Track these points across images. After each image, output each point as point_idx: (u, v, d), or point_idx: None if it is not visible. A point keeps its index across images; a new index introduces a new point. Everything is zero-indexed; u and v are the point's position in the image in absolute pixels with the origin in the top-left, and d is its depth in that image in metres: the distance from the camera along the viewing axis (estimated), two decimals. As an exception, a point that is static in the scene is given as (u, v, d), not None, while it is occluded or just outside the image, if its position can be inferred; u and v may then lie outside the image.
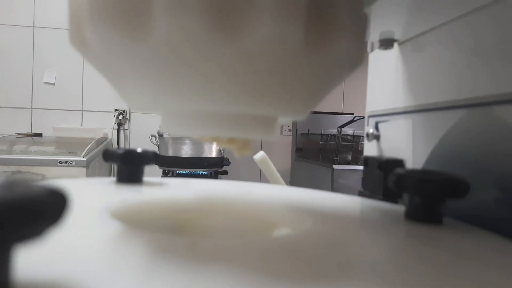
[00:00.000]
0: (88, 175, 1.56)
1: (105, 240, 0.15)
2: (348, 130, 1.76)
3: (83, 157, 1.55)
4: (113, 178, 0.32)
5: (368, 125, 0.41)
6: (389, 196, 0.33)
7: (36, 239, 0.09)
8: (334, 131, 1.77)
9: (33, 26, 1.88)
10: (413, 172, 0.24)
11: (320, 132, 1.80)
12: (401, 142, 0.35)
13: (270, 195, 0.30)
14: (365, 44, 0.19)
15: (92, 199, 0.25)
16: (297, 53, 0.16)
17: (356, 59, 0.19)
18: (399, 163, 0.34)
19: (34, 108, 1.92)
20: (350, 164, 1.56)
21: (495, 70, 0.25)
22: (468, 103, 0.27)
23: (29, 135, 1.83)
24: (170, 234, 0.27)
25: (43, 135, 1.85)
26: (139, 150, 0.31)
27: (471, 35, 0.27)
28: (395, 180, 0.24)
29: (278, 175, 0.43)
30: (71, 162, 1.54)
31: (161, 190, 0.30)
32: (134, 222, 0.24)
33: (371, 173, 0.36)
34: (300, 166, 1.78)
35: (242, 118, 0.18)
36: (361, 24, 0.18)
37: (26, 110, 1.93)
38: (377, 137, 0.39)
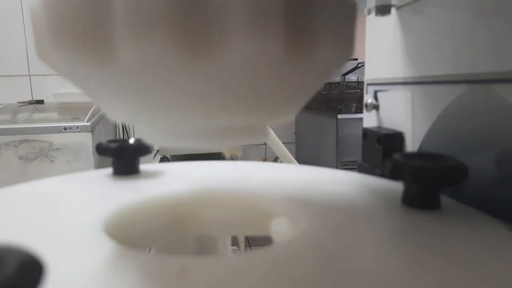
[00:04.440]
0: (94, 139, 1.58)
1: (97, 268, 0.15)
2: (352, 77, 1.72)
3: (87, 121, 1.55)
4: (109, 171, 0.32)
5: (367, 93, 0.39)
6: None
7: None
8: (337, 78, 1.73)
9: (19, -10, 1.80)
10: (410, 158, 0.23)
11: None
12: (401, 114, 0.34)
13: (268, 179, 0.30)
14: (353, 37, 0.18)
15: (87, 202, 0.25)
16: (279, 65, 0.15)
17: (343, 55, 0.17)
18: (398, 136, 0.34)
19: (32, 75, 1.89)
20: (355, 112, 1.54)
21: (500, 43, 0.23)
22: (468, 79, 0.25)
23: (30, 102, 1.82)
24: (162, 254, 0.28)
25: (44, 101, 1.84)
26: (132, 141, 0.31)
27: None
28: (391, 167, 0.23)
29: (285, 149, 0.42)
30: (76, 128, 1.54)
31: (158, 182, 0.29)
32: (131, 225, 0.24)
33: (370, 146, 0.35)
34: (304, 118, 1.77)
35: (229, 129, 0.17)
36: (348, 18, 0.17)
37: (24, 78, 1.91)
38: (376, 107, 0.37)
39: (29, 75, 1.89)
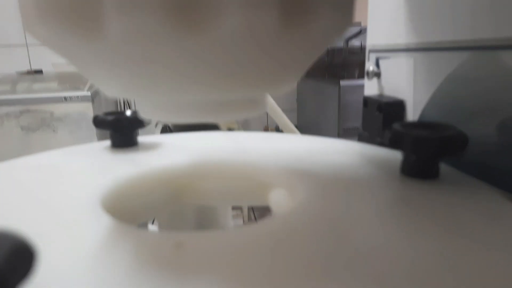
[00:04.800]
0: (95, 109, 1.57)
1: (93, 245, 0.16)
2: (355, 42, 1.68)
3: (87, 91, 1.54)
4: (107, 143, 0.32)
5: (369, 60, 0.38)
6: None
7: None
8: (340, 44, 1.69)
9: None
10: (409, 128, 0.23)
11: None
12: (402, 81, 0.33)
13: (267, 150, 0.30)
14: (353, 4, 0.17)
15: (85, 175, 0.25)
16: (274, 35, 0.14)
17: (342, 24, 0.17)
18: (399, 104, 0.33)
19: (29, 45, 1.86)
20: (358, 78, 1.51)
21: (505, 9, 0.22)
22: (472, 45, 0.24)
23: (29, 72, 1.80)
24: (160, 228, 0.28)
25: (43, 71, 1.82)
26: (129, 113, 0.30)
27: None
28: (391, 137, 0.23)
29: (284, 117, 0.42)
30: (76, 98, 1.53)
31: (156, 154, 0.29)
32: (130, 198, 0.24)
33: (371, 114, 0.35)
34: (306, 85, 1.74)
35: (225, 103, 0.17)
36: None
37: (22, 48, 1.88)
38: (377, 75, 0.36)
39: (26, 45, 1.86)
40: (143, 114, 0.19)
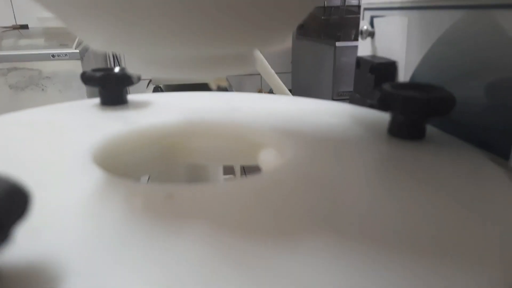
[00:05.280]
0: (84, 68, 1.53)
1: (85, 195, 0.16)
2: (353, 1, 1.63)
3: (75, 48, 1.49)
4: (96, 101, 0.31)
5: (363, 19, 0.38)
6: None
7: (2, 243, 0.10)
8: (337, 2, 1.64)
9: None
10: (398, 88, 0.23)
11: (323, 5, 1.67)
12: (396, 41, 0.32)
13: (258, 111, 0.30)
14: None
15: (75, 132, 0.25)
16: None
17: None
18: (391, 65, 0.33)
19: (13, -3, 1.78)
20: (354, 39, 1.48)
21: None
22: (466, 4, 0.24)
23: (14, 27, 1.74)
24: (151, 183, 0.28)
25: (29, 26, 1.75)
26: (117, 70, 0.30)
27: None
28: (380, 98, 0.23)
29: (277, 78, 0.41)
30: (64, 55, 1.49)
31: (146, 113, 0.29)
32: (120, 155, 0.24)
33: (363, 75, 0.35)
34: (301, 45, 1.71)
35: (215, 58, 0.17)
36: None
37: (5, 1, 1.79)
38: (371, 34, 0.36)
39: (10, -2, 1.78)
40: (131, 70, 0.18)
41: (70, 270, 0.11)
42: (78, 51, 1.52)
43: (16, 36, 1.66)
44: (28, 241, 0.12)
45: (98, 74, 0.29)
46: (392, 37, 0.33)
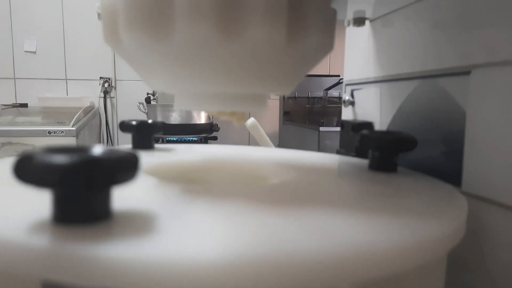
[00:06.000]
0: (79, 143, 1.59)
1: (151, 184, 0.21)
2: (334, 93, 1.81)
3: (72, 126, 1.57)
4: (129, 146, 0.37)
5: (345, 92, 0.47)
6: (360, 153, 0.39)
7: (128, 182, 0.15)
8: (320, 93, 1.82)
9: (9, -6, 1.83)
10: (374, 133, 0.30)
11: (307, 95, 1.84)
12: (371, 107, 0.41)
13: (261, 155, 0.37)
14: (334, 34, 0.25)
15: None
16: (280, 46, 0.21)
17: (327, 47, 0.24)
18: (369, 125, 0.41)
19: (17, 78, 1.90)
20: (336, 126, 1.62)
21: (441, 48, 0.31)
22: (420, 75, 0.33)
23: (14, 105, 1.82)
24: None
25: (28, 105, 1.84)
26: (150, 121, 0.37)
27: (428, 16, 0.33)
28: (360, 139, 0.30)
29: (267, 138, 0.49)
30: (60, 132, 1.56)
31: (171, 154, 0.35)
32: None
33: (347, 134, 0.42)
34: (288, 129, 1.84)
35: (240, 96, 0.24)
36: (329, 19, 0.24)
37: (9, 81, 1.90)
38: (352, 103, 0.45)
39: (14, 78, 1.90)
40: (176, 104, 0.25)
41: (161, 213, 0.16)
42: (74, 128, 1.59)
43: (15, 113, 1.73)
44: (125, 202, 0.18)
45: (134, 123, 0.36)
46: (369, 104, 0.41)
